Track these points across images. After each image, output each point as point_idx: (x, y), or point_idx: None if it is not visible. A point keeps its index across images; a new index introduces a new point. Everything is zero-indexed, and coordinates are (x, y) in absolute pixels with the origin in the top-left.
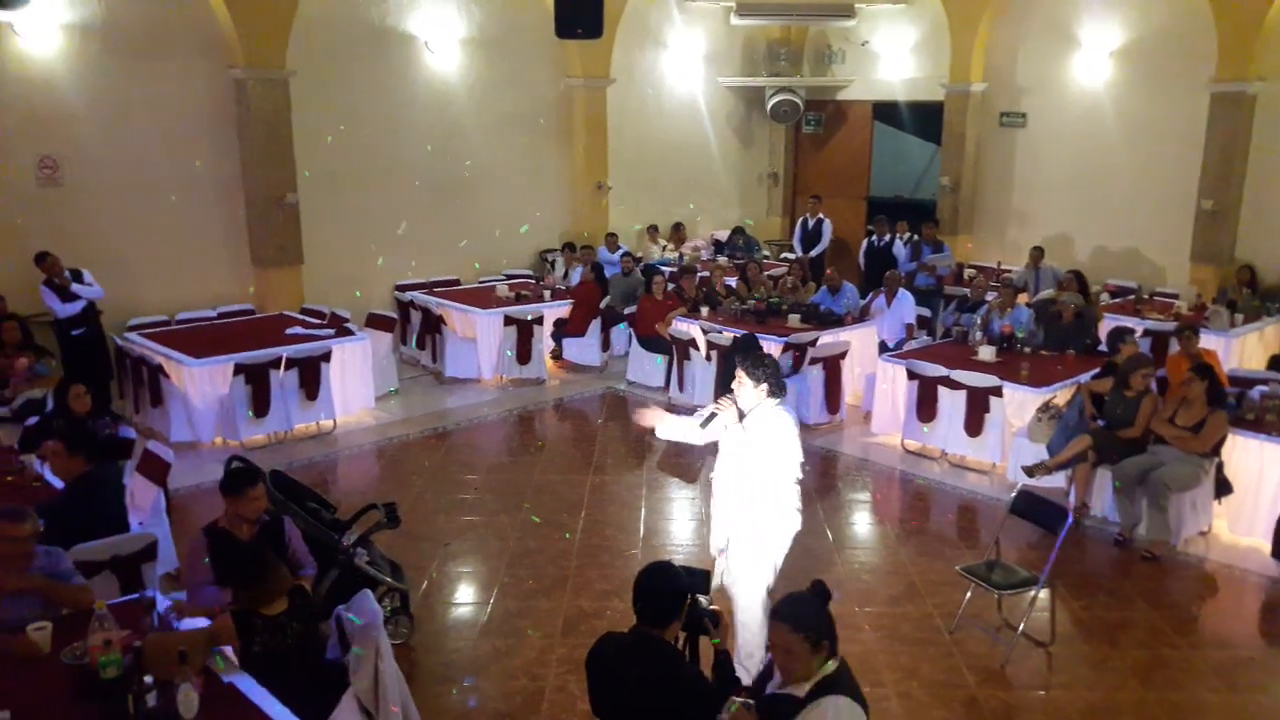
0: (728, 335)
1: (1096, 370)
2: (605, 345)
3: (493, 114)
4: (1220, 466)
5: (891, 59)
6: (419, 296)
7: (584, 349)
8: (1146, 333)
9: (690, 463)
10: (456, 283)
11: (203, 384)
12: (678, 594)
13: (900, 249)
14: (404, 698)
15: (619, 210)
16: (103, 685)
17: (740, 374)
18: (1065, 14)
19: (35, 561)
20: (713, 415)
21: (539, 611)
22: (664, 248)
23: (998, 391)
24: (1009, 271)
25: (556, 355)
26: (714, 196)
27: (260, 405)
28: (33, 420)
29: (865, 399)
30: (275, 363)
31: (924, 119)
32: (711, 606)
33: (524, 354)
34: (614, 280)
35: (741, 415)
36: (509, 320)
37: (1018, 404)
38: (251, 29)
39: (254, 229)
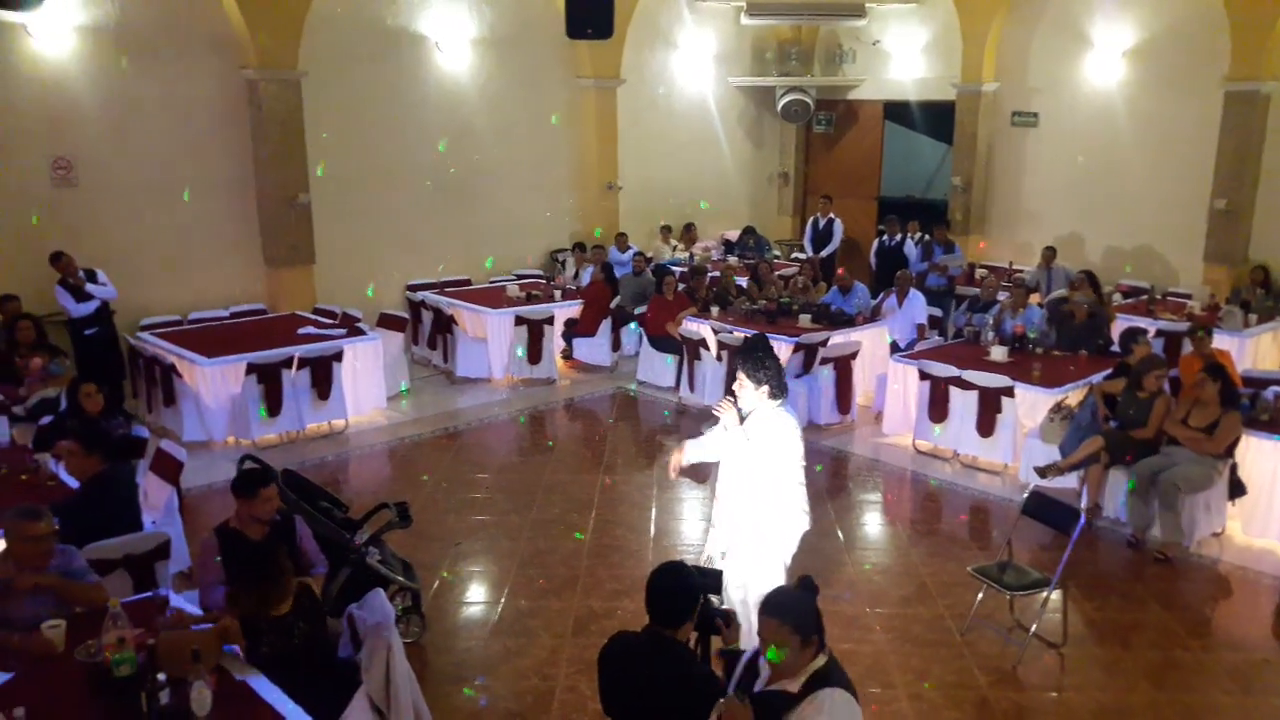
0: (738, 335)
1: (1109, 371)
2: (616, 345)
3: (503, 114)
4: (1234, 468)
5: (903, 58)
6: (430, 296)
7: (594, 349)
8: (1159, 333)
9: (701, 464)
10: (468, 282)
11: (215, 383)
12: (691, 594)
13: (911, 249)
14: (415, 697)
15: (629, 210)
16: (116, 683)
17: (741, 375)
18: (1077, 13)
19: (51, 560)
20: (714, 420)
21: (550, 611)
22: (674, 248)
23: (1010, 392)
24: (1021, 271)
25: (567, 355)
26: (725, 196)
27: (272, 405)
28: (47, 419)
29: (876, 399)
30: (287, 362)
31: (935, 118)
32: (724, 607)
33: (534, 354)
34: (625, 280)
35: (743, 417)
36: (520, 320)
37: (1030, 405)
38: (263, 30)
39: (266, 229)
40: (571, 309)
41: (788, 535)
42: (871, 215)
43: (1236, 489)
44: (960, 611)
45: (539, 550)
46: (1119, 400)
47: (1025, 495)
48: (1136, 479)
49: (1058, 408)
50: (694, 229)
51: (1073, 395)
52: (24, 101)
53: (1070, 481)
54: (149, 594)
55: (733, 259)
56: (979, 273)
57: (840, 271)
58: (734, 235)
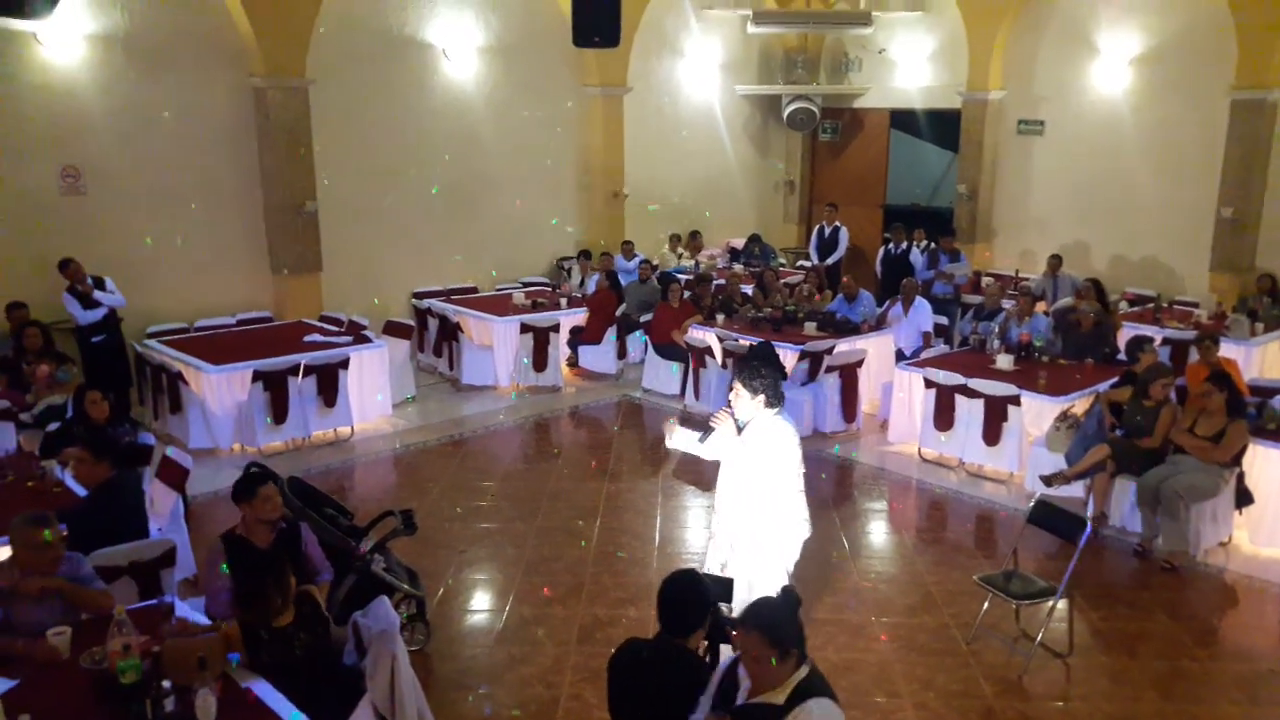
0: (744, 343)
1: (1115, 379)
2: (621, 353)
3: (510, 122)
4: (1241, 477)
5: (908, 67)
6: (436, 304)
7: (600, 357)
8: (1166, 341)
9: (705, 471)
10: (474, 290)
11: (221, 391)
12: (703, 604)
13: (917, 257)
14: (420, 704)
15: (635, 218)
16: (121, 690)
17: (736, 385)
18: (1083, 21)
19: (59, 567)
20: (710, 429)
21: (554, 619)
22: (680, 255)
23: (1016, 400)
24: (1027, 280)
25: (572, 363)
26: (730, 204)
27: (279, 412)
28: (54, 426)
29: (882, 407)
30: (294, 370)
31: (941, 126)
32: (734, 615)
33: (540, 361)
34: (630, 288)
35: (740, 427)
36: (525, 328)
37: (1035, 413)
38: (271, 38)
39: (273, 236)
40: (577, 317)
41: (789, 543)
42: (877, 223)
43: (1243, 498)
44: (966, 620)
45: (544, 558)
46: (1125, 409)
47: (1031, 504)
48: (1142, 488)
49: (1064, 416)
50: (700, 236)
51: (1079, 404)
52: (33, 109)
53: (1076, 490)
54: (154, 601)
55: (738, 267)
56: (985, 281)
57: (846, 279)
58: (739, 243)
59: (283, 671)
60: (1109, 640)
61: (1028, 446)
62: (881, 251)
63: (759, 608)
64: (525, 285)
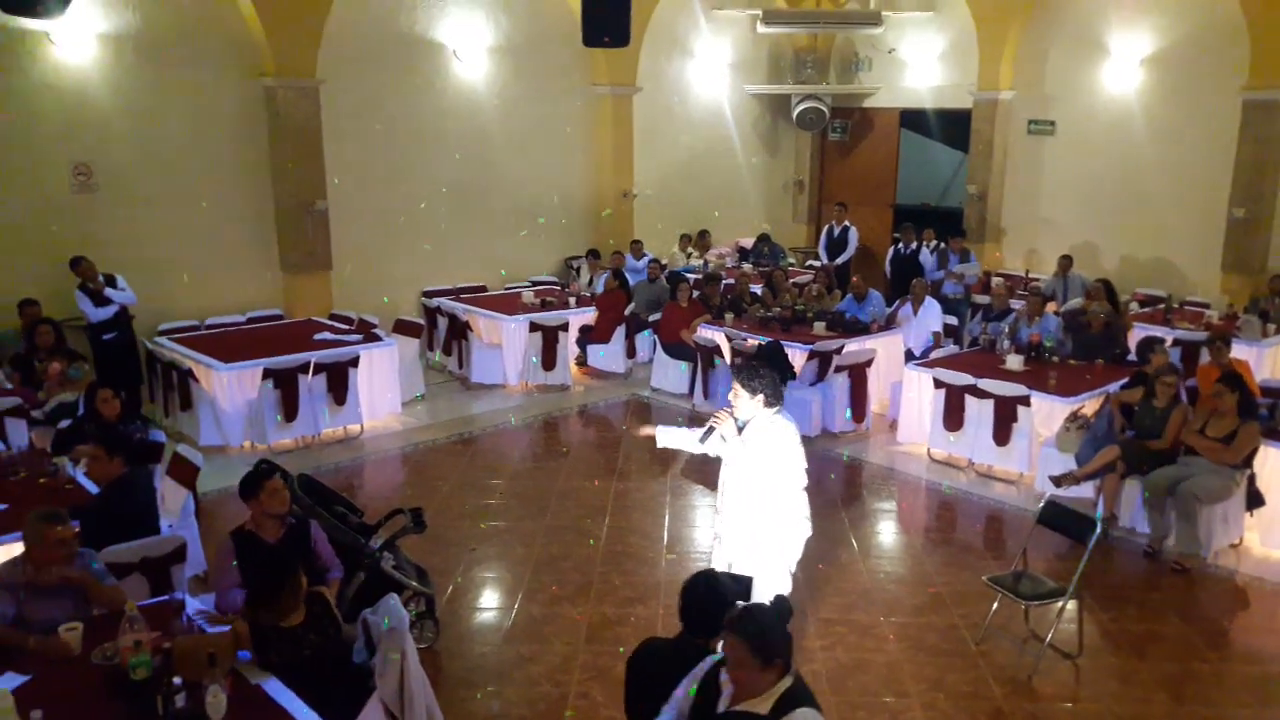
0: (752, 342)
1: (1125, 380)
2: (630, 352)
3: (520, 121)
4: (1252, 478)
5: (919, 66)
6: (446, 303)
7: (609, 356)
8: (1176, 342)
9: (714, 470)
10: (483, 289)
11: (232, 388)
12: (723, 605)
13: (927, 257)
14: (429, 702)
15: (644, 217)
16: (132, 686)
17: (736, 386)
18: (1094, 21)
19: (72, 563)
20: (710, 429)
21: (563, 618)
22: (689, 255)
23: (1025, 401)
24: (1037, 280)
25: (581, 362)
26: (740, 204)
27: (289, 410)
28: (65, 423)
29: (891, 407)
30: (304, 368)
31: (951, 126)
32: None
33: (549, 360)
34: (639, 287)
35: (740, 427)
36: (534, 327)
37: (1045, 414)
38: (282, 38)
39: (283, 235)
40: (586, 316)
41: (790, 542)
42: (887, 223)
43: (1255, 500)
44: (975, 621)
45: (552, 556)
46: (1136, 410)
47: (1041, 504)
48: (1153, 489)
49: (1074, 417)
50: (709, 236)
51: (1089, 404)
52: (46, 108)
53: (1086, 491)
54: (165, 597)
55: (747, 266)
56: (995, 281)
57: (855, 279)
58: (749, 242)
59: (292, 670)
60: (1119, 641)
61: (1037, 447)
62: (891, 251)
63: (748, 616)
64: (534, 284)
